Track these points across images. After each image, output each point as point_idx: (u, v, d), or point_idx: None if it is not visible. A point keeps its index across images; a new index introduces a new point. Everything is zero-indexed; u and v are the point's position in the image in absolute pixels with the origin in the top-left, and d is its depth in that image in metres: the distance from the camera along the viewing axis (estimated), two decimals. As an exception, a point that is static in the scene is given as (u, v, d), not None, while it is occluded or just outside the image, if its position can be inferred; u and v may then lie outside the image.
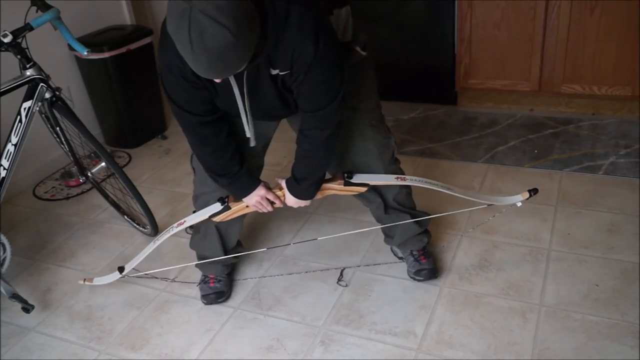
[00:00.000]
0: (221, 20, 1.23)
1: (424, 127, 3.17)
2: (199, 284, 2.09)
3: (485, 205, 1.93)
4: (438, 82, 3.35)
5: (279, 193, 1.82)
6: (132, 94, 3.19)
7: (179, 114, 1.65)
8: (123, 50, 3.06)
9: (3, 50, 1.96)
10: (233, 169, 1.74)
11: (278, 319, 1.95)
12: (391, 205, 1.96)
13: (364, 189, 1.80)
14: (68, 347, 1.95)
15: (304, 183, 1.75)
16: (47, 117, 2.20)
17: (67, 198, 2.87)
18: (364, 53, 1.77)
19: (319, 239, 2.08)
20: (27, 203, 2.86)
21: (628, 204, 2.33)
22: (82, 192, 2.90)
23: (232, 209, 1.83)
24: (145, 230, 2.46)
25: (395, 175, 1.85)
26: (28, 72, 2.03)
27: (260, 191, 1.79)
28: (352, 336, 1.85)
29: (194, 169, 1.93)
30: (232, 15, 1.24)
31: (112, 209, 2.59)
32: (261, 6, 1.36)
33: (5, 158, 2.02)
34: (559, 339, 1.75)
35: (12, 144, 2.02)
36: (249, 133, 1.68)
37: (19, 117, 2.02)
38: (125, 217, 2.53)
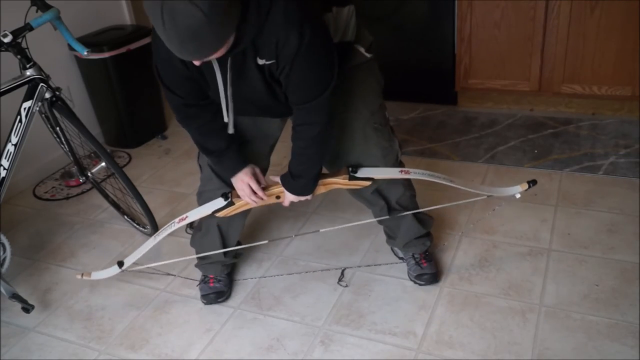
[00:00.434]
0: (194, 0, 1.22)
1: (424, 127, 3.17)
2: (199, 284, 2.09)
3: (486, 200, 1.92)
4: (438, 82, 3.35)
5: (275, 190, 1.80)
6: (132, 94, 3.20)
7: (167, 93, 1.67)
8: (123, 50, 3.06)
9: (3, 50, 1.96)
10: (220, 144, 1.74)
11: (278, 319, 1.95)
12: (394, 208, 1.95)
13: (368, 183, 1.78)
14: (68, 347, 1.95)
15: (300, 180, 1.74)
16: (47, 117, 2.20)
17: (67, 198, 2.87)
18: (368, 55, 1.76)
19: (320, 230, 2.08)
20: (27, 203, 2.87)
21: (628, 204, 2.33)
22: (82, 192, 2.90)
23: (236, 204, 1.82)
24: (145, 230, 2.46)
25: (400, 169, 1.84)
26: (28, 72, 2.03)
27: (244, 176, 1.77)
28: (352, 336, 1.85)
29: (200, 166, 1.93)
30: None
31: (112, 209, 2.59)
32: None
33: (5, 158, 2.02)
34: (559, 339, 1.75)
35: (12, 144, 2.02)
36: (227, 118, 1.66)
37: (19, 117, 2.03)
38: (125, 217, 2.53)
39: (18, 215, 2.75)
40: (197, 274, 2.13)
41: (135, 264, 1.99)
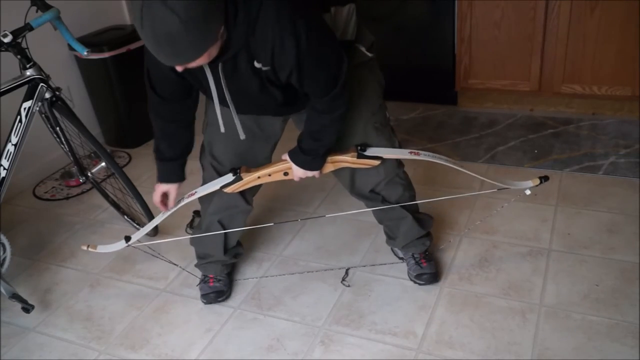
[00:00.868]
0: (171, 6, 1.23)
1: (424, 127, 3.17)
2: (199, 283, 2.09)
3: (486, 199, 1.92)
4: (438, 82, 3.35)
5: (283, 166, 1.76)
6: (132, 94, 3.19)
7: (150, 92, 1.72)
8: (123, 50, 3.06)
9: (3, 50, 1.96)
10: (173, 152, 1.81)
11: (278, 319, 1.95)
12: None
13: (376, 162, 1.77)
14: (68, 347, 1.95)
15: (310, 155, 1.71)
16: (47, 117, 2.20)
17: (67, 198, 2.87)
18: (369, 54, 1.76)
19: (327, 215, 2.07)
20: (27, 203, 2.87)
21: (628, 204, 2.33)
22: (82, 192, 2.90)
23: (244, 179, 1.79)
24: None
25: (409, 150, 1.82)
26: (28, 72, 2.03)
27: (171, 187, 1.85)
28: (352, 336, 1.85)
29: (202, 165, 1.93)
30: (186, 3, 1.23)
31: (112, 209, 2.59)
32: None
33: (5, 158, 2.02)
34: (559, 339, 1.75)
35: (12, 144, 2.02)
36: (220, 122, 1.69)
37: (19, 117, 2.03)
38: (125, 217, 2.53)
39: (18, 215, 2.75)
40: (198, 273, 2.13)
41: (139, 241, 1.99)
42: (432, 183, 2.61)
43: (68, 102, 2.19)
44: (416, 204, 2.00)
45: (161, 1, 1.23)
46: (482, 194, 1.91)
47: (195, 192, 1.87)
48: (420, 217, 2.01)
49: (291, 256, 2.26)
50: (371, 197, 1.92)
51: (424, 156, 1.81)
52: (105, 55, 3.01)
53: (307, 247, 2.29)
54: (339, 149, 1.77)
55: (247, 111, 1.71)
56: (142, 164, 3.14)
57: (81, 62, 3.14)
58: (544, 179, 1.92)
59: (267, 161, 1.91)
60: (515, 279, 2.00)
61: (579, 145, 2.82)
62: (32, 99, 2.03)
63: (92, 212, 2.72)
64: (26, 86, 2.03)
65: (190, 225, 2.44)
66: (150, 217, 2.37)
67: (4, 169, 2.01)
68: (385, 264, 2.13)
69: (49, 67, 2.20)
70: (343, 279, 2.08)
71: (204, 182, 1.92)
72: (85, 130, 2.20)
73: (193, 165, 1.97)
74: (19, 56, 2.00)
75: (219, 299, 2.04)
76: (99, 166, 2.44)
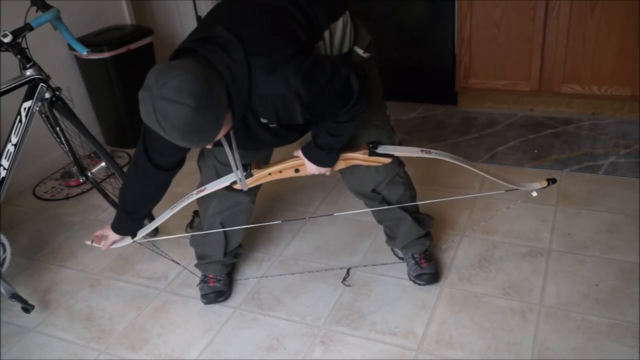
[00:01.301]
0: (179, 100, 1.29)
1: (424, 127, 3.17)
2: (199, 283, 2.09)
3: (486, 199, 1.92)
4: (438, 82, 3.35)
5: (294, 162, 1.76)
6: (132, 94, 3.16)
7: (143, 159, 1.72)
8: (123, 50, 3.06)
9: (3, 50, 1.96)
10: (135, 210, 1.89)
11: (278, 319, 1.95)
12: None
13: (388, 160, 1.77)
14: (68, 347, 1.95)
15: (325, 150, 1.71)
16: (47, 117, 2.19)
17: (67, 198, 2.87)
18: (364, 55, 1.76)
19: (335, 214, 2.06)
20: (27, 203, 2.87)
21: (628, 204, 2.33)
22: (82, 192, 2.90)
23: (255, 175, 1.78)
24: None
25: (421, 148, 1.83)
26: (28, 72, 2.03)
27: (114, 236, 1.95)
28: (352, 336, 1.85)
29: (200, 167, 1.93)
30: (189, 91, 1.29)
31: (112, 209, 2.59)
32: (222, 68, 1.38)
33: (5, 158, 2.02)
34: (559, 339, 1.75)
35: (12, 144, 2.02)
36: (240, 185, 1.76)
37: (19, 117, 2.03)
38: (125, 217, 2.53)
39: (18, 215, 2.75)
40: (196, 278, 2.13)
41: (144, 237, 2.00)
42: (432, 183, 2.61)
43: (68, 102, 2.19)
44: (417, 204, 2.00)
45: (167, 101, 1.29)
46: (484, 195, 1.91)
47: (205, 188, 1.86)
48: (420, 217, 2.01)
49: (291, 256, 2.26)
50: (372, 196, 1.92)
51: (435, 155, 1.81)
52: (105, 55, 3.01)
53: (307, 247, 2.29)
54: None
55: (255, 148, 1.77)
56: (142, 164, 3.13)
57: (81, 62, 3.14)
58: (552, 181, 1.92)
59: (268, 157, 1.91)
60: (515, 279, 2.00)
61: (578, 145, 2.82)
62: (32, 99, 2.03)
63: (92, 212, 2.72)
64: (26, 86, 2.03)
65: (190, 225, 2.44)
66: (150, 217, 2.37)
67: (4, 169, 2.01)
68: (385, 264, 2.13)
69: (49, 67, 2.20)
70: (344, 279, 2.08)
71: (201, 184, 1.92)
72: (85, 130, 2.20)
73: (193, 165, 1.97)
74: (19, 56, 2.00)
75: (219, 299, 2.04)
76: (99, 166, 2.43)
